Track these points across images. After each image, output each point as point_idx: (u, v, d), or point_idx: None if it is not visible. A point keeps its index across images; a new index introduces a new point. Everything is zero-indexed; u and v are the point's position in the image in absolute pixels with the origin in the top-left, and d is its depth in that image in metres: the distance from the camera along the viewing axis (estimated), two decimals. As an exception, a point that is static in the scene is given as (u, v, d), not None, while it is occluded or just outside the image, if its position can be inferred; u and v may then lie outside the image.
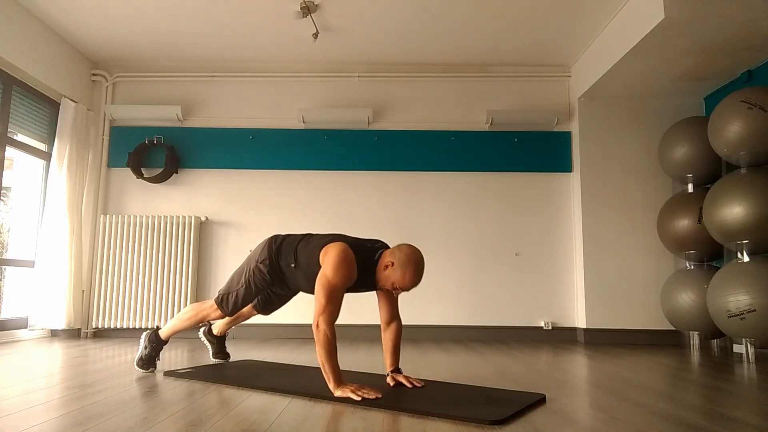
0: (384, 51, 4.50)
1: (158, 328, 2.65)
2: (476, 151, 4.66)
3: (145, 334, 2.63)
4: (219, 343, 2.97)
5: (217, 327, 2.95)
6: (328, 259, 2.12)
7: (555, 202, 4.63)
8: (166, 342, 2.62)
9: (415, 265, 2.12)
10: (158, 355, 2.62)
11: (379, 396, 1.90)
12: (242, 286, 2.46)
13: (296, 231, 4.56)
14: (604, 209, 4.47)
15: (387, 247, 2.28)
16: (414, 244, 4.43)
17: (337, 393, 1.95)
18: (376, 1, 3.74)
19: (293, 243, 2.38)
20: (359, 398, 1.88)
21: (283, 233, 2.54)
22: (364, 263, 2.18)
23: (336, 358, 2.02)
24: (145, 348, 2.59)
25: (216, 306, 2.53)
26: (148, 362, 2.59)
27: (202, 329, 2.99)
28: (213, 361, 2.93)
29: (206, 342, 2.99)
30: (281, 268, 2.39)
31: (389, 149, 4.66)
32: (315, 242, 2.30)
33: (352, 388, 1.94)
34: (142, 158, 4.61)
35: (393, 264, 2.14)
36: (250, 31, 4.17)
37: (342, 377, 2.01)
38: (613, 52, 3.90)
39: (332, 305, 2.05)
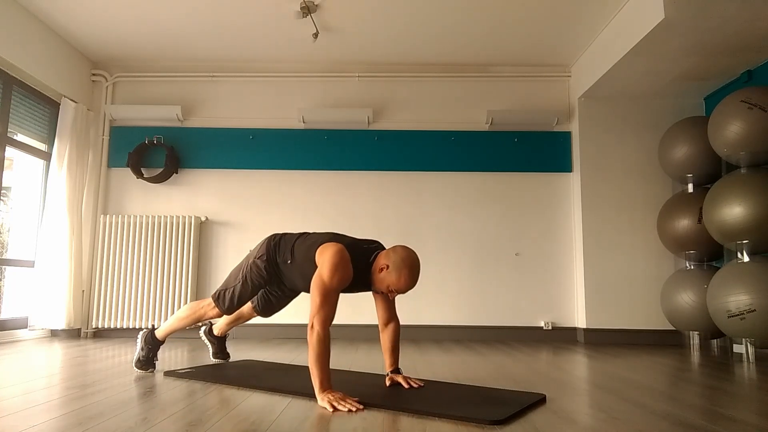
0: (384, 51, 4.50)
1: (154, 327, 2.65)
2: (476, 151, 4.66)
3: (141, 334, 2.62)
4: (219, 343, 2.97)
5: (218, 327, 2.95)
6: (324, 259, 2.11)
7: (555, 202, 4.63)
8: (162, 342, 2.62)
9: (410, 269, 2.10)
10: (156, 355, 2.62)
11: (360, 408, 1.82)
12: (239, 282, 2.46)
13: (296, 231, 4.57)
14: (604, 209, 4.47)
15: (383, 248, 2.26)
16: (413, 245, 4.47)
17: (320, 399, 1.88)
18: (376, 1, 3.74)
19: (291, 240, 2.39)
20: (332, 410, 1.80)
21: (282, 232, 2.53)
22: (360, 264, 2.17)
23: (326, 362, 1.94)
24: (142, 349, 2.59)
25: (213, 303, 2.52)
26: (146, 363, 2.58)
27: (202, 329, 2.99)
28: (213, 361, 2.94)
29: (207, 342, 2.99)
30: (278, 264, 2.39)
31: (389, 149, 4.67)
32: (312, 240, 2.30)
33: (335, 396, 1.87)
34: (142, 158, 4.61)
35: (388, 267, 2.11)
36: (250, 31, 4.17)
37: (329, 383, 1.93)
38: (613, 52, 3.90)
39: (327, 306, 2.03)
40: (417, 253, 2.22)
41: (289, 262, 2.35)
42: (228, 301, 2.49)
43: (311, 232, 2.44)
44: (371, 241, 2.31)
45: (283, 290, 2.63)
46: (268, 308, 2.72)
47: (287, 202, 4.62)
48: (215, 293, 2.53)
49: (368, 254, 2.21)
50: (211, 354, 2.97)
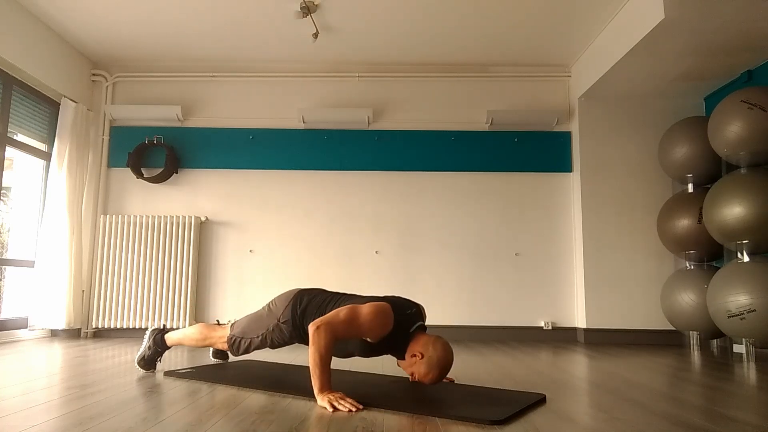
0: (384, 51, 4.50)
1: (165, 329, 2.62)
2: (476, 151, 4.66)
3: (151, 331, 2.59)
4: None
5: None
6: (370, 305, 2.04)
7: (555, 202, 4.63)
8: (169, 348, 2.61)
9: (442, 370, 2.02)
10: (160, 358, 2.61)
11: (360, 408, 1.82)
12: (259, 338, 2.37)
13: (296, 231, 4.57)
14: (604, 209, 4.47)
15: (423, 319, 2.19)
16: (413, 245, 4.47)
17: (319, 399, 1.88)
18: (376, 1, 3.74)
19: (320, 304, 2.27)
20: (332, 410, 1.80)
21: (309, 288, 2.41)
22: (397, 332, 2.08)
23: (328, 365, 1.93)
24: (149, 348, 2.57)
25: (227, 343, 2.46)
26: (149, 363, 2.58)
27: None
28: (213, 361, 2.93)
29: None
30: (305, 330, 2.26)
31: (389, 149, 4.67)
32: (346, 301, 2.20)
33: (335, 396, 1.86)
34: (142, 158, 4.61)
35: (422, 356, 2.02)
36: (250, 31, 4.17)
37: (329, 385, 1.92)
38: (613, 52, 3.90)
39: (344, 328, 1.97)
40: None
41: None
42: (243, 350, 2.42)
43: (346, 293, 2.33)
44: (412, 303, 2.21)
45: (303, 339, 2.41)
46: (275, 347, 2.57)
47: (287, 202, 4.62)
48: (231, 338, 2.44)
49: (408, 324, 2.12)
50: (210, 354, 2.97)
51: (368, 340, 2.08)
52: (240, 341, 2.42)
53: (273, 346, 2.38)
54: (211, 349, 2.96)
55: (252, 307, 4.30)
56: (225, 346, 2.47)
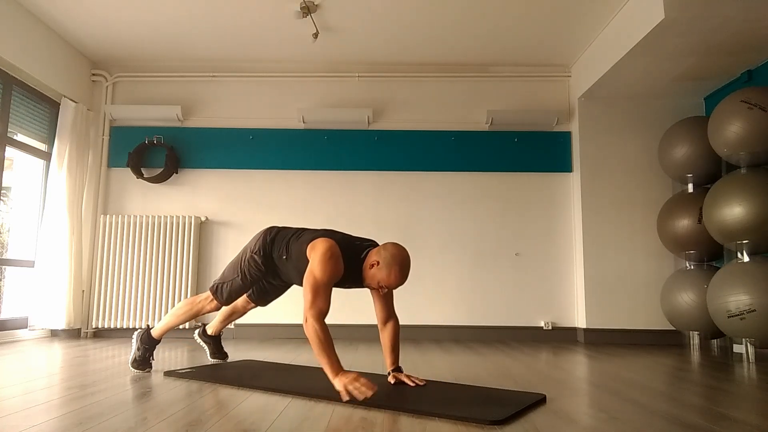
0: (384, 51, 4.50)
1: (149, 327, 2.64)
2: (476, 151, 4.66)
3: (136, 333, 2.61)
4: (215, 343, 2.97)
5: (212, 327, 2.95)
6: (315, 255, 2.16)
7: (555, 202, 4.63)
8: (159, 341, 2.61)
9: (400, 265, 2.14)
10: (152, 355, 2.61)
11: (372, 392, 1.84)
12: (237, 275, 2.50)
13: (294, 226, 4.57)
14: (604, 209, 4.47)
15: (376, 245, 2.30)
16: (413, 245, 4.47)
17: (336, 383, 1.93)
18: (376, 1, 3.74)
19: (286, 236, 2.43)
20: (347, 397, 1.85)
21: (280, 225, 2.55)
22: (351, 260, 2.21)
23: (331, 348, 1.99)
24: (138, 349, 2.58)
25: (211, 296, 2.55)
26: (143, 363, 2.58)
27: (196, 331, 2.99)
28: (212, 361, 2.93)
29: (202, 343, 2.98)
30: (274, 259, 2.43)
31: (389, 149, 4.67)
32: (305, 236, 2.34)
33: (349, 379, 1.89)
34: (142, 158, 4.61)
35: (378, 263, 2.15)
36: (250, 31, 4.17)
37: (340, 365, 1.98)
38: (613, 52, 3.90)
39: (320, 300, 2.07)
40: (408, 251, 2.24)
41: (284, 257, 2.39)
42: (227, 294, 2.53)
43: (307, 228, 2.49)
44: (365, 239, 2.34)
45: (279, 281, 2.66)
46: (263, 296, 2.75)
47: (287, 202, 4.62)
48: (213, 286, 2.56)
49: (360, 250, 2.24)
50: (208, 354, 2.97)
51: (336, 282, 2.19)
52: (222, 286, 2.53)
53: (252, 282, 2.51)
54: (208, 350, 2.96)
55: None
56: (213, 305, 2.56)
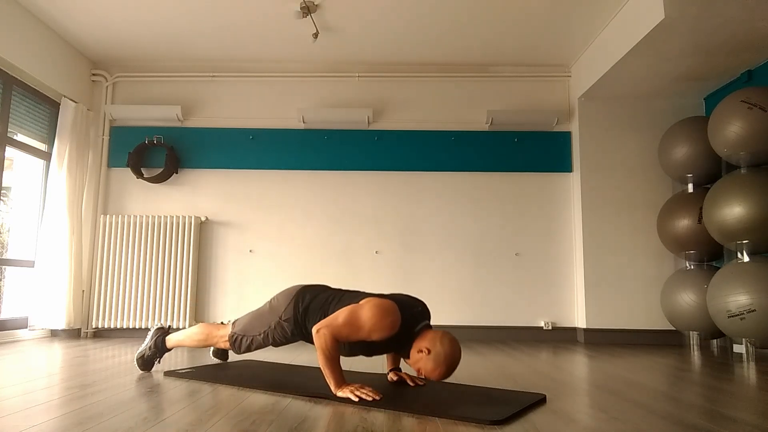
0: (384, 51, 4.50)
1: (168, 330, 2.61)
2: (476, 151, 4.66)
3: (154, 330, 2.58)
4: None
5: None
6: (374, 302, 2.01)
7: (555, 202, 4.63)
8: (170, 350, 2.61)
9: (449, 366, 1.99)
10: (159, 360, 2.61)
11: (378, 398, 1.88)
12: (261, 335, 2.34)
13: (296, 231, 4.57)
14: (604, 209, 4.47)
15: (429, 318, 2.15)
16: (413, 245, 4.47)
17: (339, 393, 1.94)
18: (376, 1, 3.74)
19: (323, 303, 2.23)
20: (357, 399, 1.87)
21: (312, 285, 2.37)
22: (404, 330, 2.05)
23: (337, 362, 1.98)
24: (150, 348, 2.56)
25: (228, 342, 2.44)
26: (147, 364, 2.58)
27: None
28: (212, 360, 2.93)
29: None
30: (307, 328, 2.24)
31: (389, 149, 4.67)
32: (349, 299, 2.16)
33: (352, 388, 1.92)
34: (142, 158, 4.61)
35: (429, 352, 1.99)
36: (250, 31, 4.17)
37: (343, 378, 1.99)
38: (613, 52, 3.90)
39: (346, 331, 1.97)
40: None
41: None
42: (245, 348, 2.40)
43: (348, 290, 2.28)
44: (417, 301, 2.18)
45: (302, 339, 2.40)
46: (277, 346, 2.53)
47: (287, 202, 4.62)
48: (233, 335, 2.40)
49: (414, 323, 2.08)
50: (211, 353, 2.97)
51: (373, 339, 2.04)
52: (242, 339, 2.38)
53: (275, 344, 2.37)
54: (212, 348, 2.96)
55: (252, 308, 4.30)
56: (226, 345, 2.45)
